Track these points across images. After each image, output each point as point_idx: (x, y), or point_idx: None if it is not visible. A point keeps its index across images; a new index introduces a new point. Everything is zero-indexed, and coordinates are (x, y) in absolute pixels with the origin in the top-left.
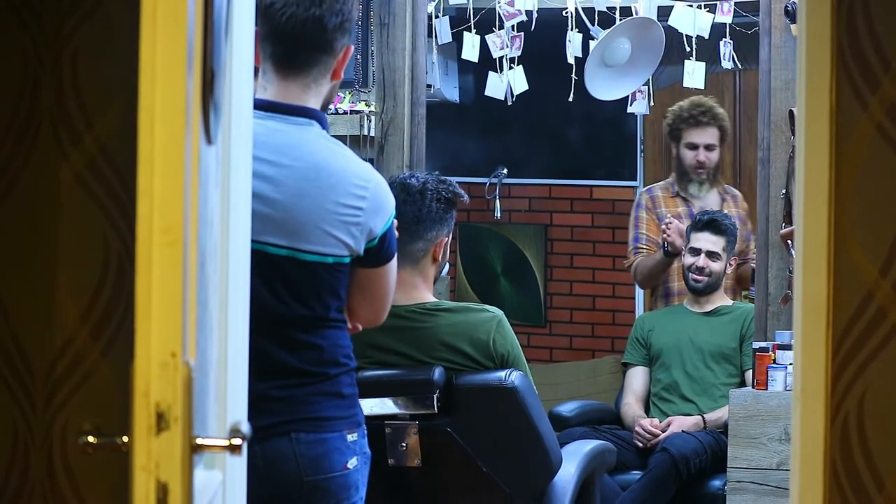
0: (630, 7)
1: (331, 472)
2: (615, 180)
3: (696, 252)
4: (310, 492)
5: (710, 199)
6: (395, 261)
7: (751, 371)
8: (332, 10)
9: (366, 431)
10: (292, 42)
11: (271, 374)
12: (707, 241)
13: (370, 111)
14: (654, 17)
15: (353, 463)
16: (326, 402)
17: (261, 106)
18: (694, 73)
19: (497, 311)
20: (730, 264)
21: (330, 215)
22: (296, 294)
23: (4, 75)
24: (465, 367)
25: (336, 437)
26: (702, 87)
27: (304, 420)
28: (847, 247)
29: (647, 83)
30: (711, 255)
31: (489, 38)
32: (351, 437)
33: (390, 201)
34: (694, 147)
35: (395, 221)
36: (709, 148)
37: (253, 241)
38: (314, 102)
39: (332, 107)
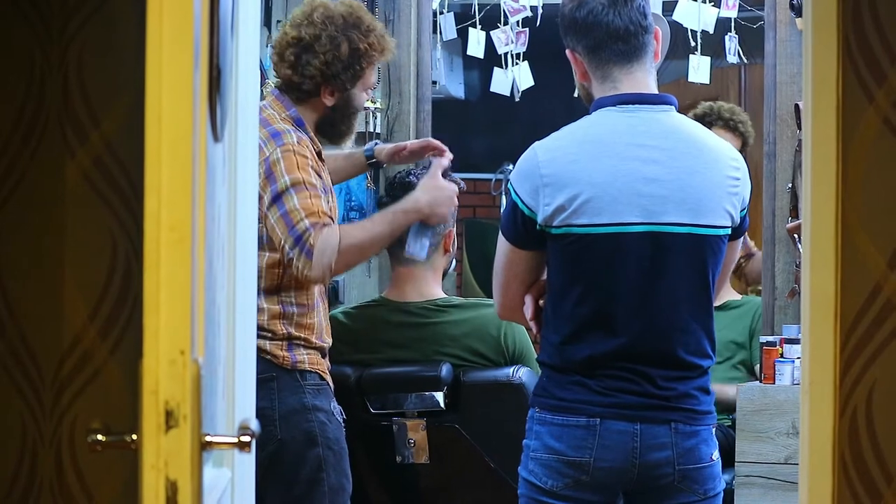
0: None
1: (700, 463)
2: None
3: None
4: (679, 480)
5: None
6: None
7: (758, 365)
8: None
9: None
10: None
11: (666, 366)
12: None
13: (375, 108)
14: (660, 12)
15: (716, 455)
16: (703, 397)
17: (626, 101)
18: (699, 68)
19: None
20: None
21: (720, 189)
22: (696, 271)
23: (10, 73)
24: (475, 363)
25: (705, 430)
26: (707, 81)
27: (682, 411)
28: (854, 240)
29: None
30: None
31: (494, 33)
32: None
33: None
34: None
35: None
36: None
37: (650, 224)
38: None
39: None
